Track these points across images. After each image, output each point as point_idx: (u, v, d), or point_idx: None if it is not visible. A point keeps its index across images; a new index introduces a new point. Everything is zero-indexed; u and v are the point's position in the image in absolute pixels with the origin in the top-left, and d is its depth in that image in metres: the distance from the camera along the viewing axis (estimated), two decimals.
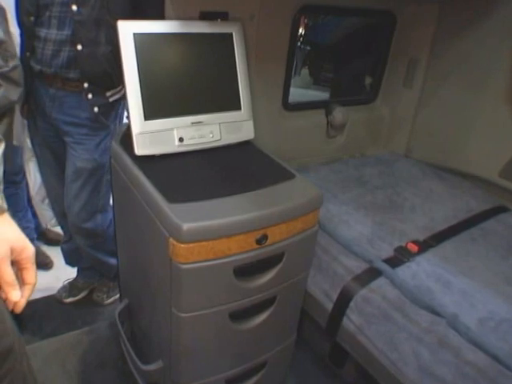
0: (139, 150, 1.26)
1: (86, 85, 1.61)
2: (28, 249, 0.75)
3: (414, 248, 1.44)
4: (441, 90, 1.96)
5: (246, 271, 1.17)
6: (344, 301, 1.35)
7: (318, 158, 2.00)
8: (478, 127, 1.91)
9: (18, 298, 0.72)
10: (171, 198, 1.11)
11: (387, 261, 1.38)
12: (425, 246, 1.47)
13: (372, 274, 1.35)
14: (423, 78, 1.99)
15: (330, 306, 1.40)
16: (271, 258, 1.19)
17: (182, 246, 1.05)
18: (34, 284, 0.75)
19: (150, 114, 1.27)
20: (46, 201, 2.50)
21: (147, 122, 1.27)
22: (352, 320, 1.33)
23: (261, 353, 1.39)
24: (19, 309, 0.73)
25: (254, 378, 1.43)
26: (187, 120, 1.33)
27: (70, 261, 2.16)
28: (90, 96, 1.63)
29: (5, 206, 0.75)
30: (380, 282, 1.33)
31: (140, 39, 1.22)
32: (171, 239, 1.07)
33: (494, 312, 1.24)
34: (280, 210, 1.15)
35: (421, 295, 1.25)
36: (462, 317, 1.20)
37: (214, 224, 1.06)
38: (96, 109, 1.65)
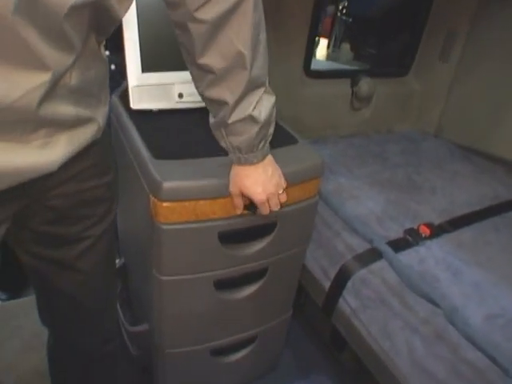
0: (135, 103, 1.19)
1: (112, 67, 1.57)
2: None
3: (425, 231, 1.33)
4: (479, 65, 1.79)
5: (232, 238, 1.10)
6: (341, 280, 1.26)
7: (340, 130, 1.88)
8: None
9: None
10: (157, 154, 1.04)
11: (393, 242, 1.28)
12: (439, 230, 1.36)
13: (374, 254, 1.25)
14: (461, 52, 1.82)
15: (327, 284, 1.31)
16: (261, 226, 1.11)
17: (163, 204, 0.99)
18: None
19: (148, 65, 1.19)
20: None
21: (145, 74, 1.19)
22: (348, 301, 1.24)
23: (250, 326, 1.32)
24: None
25: (242, 352, 1.37)
26: (188, 75, 1.24)
27: None
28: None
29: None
30: (381, 263, 1.23)
31: None
32: (152, 197, 1.00)
33: (507, 309, 1.13)
34: None
35: (423, 282, 1.14)
36: (467, 311, 1.09)
37: (197, 184, 0.99)
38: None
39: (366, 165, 1.65)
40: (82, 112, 0.72)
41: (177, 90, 1.22)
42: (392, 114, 1.99)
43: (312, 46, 1.68)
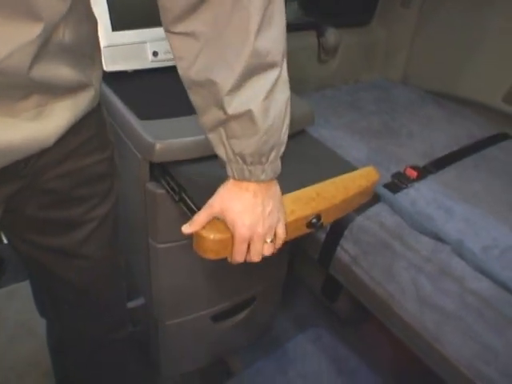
0: (108, 65, 1.11)
1: None
2: None
3: (412, 174, 1.33)
4: (442, 8, 1.79)
5: None
6: (338, 230, 1.25)
7: (308, 84, 1.84)
8: (482, 49, 1.76)
9: None
10: (143, 115, 0.98)
11: (384, 186, 1.28)
12: (424, 172, 1.37)
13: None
14: None
15: (322, 236, 1.30)
16: None
17: None
18: None
19: (118, 24, 1.11)
20: None
21: (115, 33, 1.11)
22: (346, 250, 1.24)
23: (248, 288, 1.31)
24: None
25: (242, 315, 1.36)
26: (162, 32, 1.17)
27: None
28: None
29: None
30: (377, 208, 1.23)
31: None
32: (144, 161, 0.95)
33: (499, 240, 1.16)
34: None
35: (423, 221, 1.15)
36: (467, 244, 1.11)
37: (192, 141, 0.94)
38: None
39: (342, 115, 1.64)
40: (78, 75, 0.63)
41: (150, 48, 1.15)
42: (358, 63, 1.97)
43: None
